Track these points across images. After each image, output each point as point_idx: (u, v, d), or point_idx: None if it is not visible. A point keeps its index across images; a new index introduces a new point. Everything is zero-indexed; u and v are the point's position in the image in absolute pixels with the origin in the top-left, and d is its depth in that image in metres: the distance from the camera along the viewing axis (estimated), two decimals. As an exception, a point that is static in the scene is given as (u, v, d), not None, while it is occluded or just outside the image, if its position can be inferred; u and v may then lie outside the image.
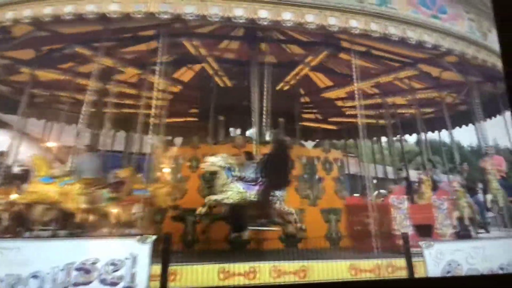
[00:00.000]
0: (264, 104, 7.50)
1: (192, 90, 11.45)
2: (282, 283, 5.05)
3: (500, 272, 5.18)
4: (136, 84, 10.54)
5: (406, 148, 13.13)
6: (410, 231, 6.85)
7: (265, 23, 6.10)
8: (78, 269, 4.26)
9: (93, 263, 4.30)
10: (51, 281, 4.17)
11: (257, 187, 6.18)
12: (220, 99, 9.99)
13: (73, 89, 9.80)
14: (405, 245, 5.21)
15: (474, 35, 7.74)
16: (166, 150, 8.10)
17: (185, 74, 11.44)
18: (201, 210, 5.95)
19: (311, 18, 6.21)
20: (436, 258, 5.05)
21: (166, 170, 7.41)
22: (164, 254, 4.56)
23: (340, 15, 6.38)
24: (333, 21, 6.31)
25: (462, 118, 11.07)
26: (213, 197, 6.05)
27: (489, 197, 8.53)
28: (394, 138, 13.13)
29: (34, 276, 4.17)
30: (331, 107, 12.62)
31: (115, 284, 4.28)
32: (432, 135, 12.59)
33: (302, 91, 11.78)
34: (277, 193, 6.16)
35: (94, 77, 7.14)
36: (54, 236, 6.06)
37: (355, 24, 6.40)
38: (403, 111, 12.04)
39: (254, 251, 6.67)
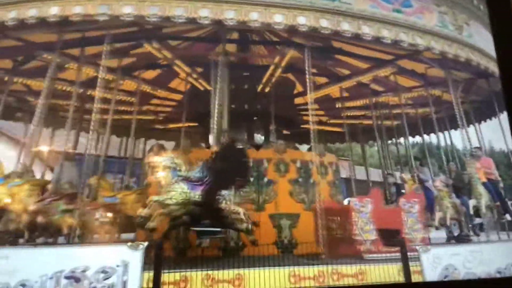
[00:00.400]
0: (217, 104, 7.33)
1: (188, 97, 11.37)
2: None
3: (498, 276, 5.13)
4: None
5: (402, 151, 13.00)
6: (373, 236, 6.65)
7: (206, 22, 6.03)
8: (67, 278, 4.14)
9: (83, 271, 4.18)
10: (40, 290, 4.04)
11: (202, 187, 5.97)
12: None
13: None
14: (401, 250, 5.13)
15: (446, 29, 7.47)
16: (158, 155, 7.99)
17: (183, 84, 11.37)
18: (141, 211, 5.76)
19: (255, 16, 6.10)
20: (433, 262, 4.98)
21: (161, 174, 7.29)
22: (156, 260, 4.45)
23: (287, 12, 6.23)
24: (280, 18, 6.18)
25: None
26: (155, 198, 5.87)
27: (472, 202, 8.10)
28: (390, 141, 13.10)
29: (23, 285, 4.04)
30: (331, 108, 12.60)
31: (106, 292, 4.16)
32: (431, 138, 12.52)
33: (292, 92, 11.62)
34: (224, 192, 5.99)
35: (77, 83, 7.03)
36: (42, 243, 5.96)
37: (303, 21, 6.23)
38: (399, 111, 11.96)
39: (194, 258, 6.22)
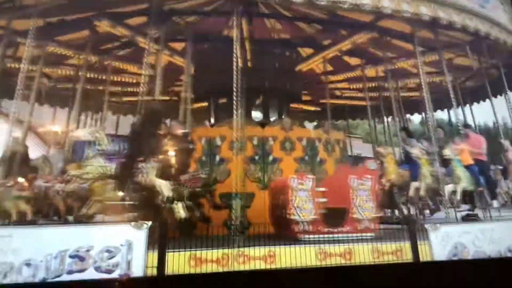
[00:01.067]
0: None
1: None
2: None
3: (509, 254, 5.03)
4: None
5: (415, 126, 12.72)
6: (313, 215, 6.11)
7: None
8: (72, 257, 4.12)
9: (88, 250, 4.16)
10: (45, 269, 4.03)
11: (117, 160, 5.84)
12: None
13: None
14: (409, 229, 5.04)
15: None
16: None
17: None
18: (62, 186, 5.91)
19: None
20: (442, 241, 4.87)
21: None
22: (160, 240, 4.41)
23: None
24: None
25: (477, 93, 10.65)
26: (72, 172, 5.84)
27: (448, 187, 7.03)
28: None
29: (27, 264, 4.03)
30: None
31: (111, 271, 4.14)
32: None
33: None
34: (141, 165, 5.63)
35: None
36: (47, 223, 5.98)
37: None
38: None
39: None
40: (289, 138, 8.47)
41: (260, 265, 4.86)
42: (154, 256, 4.28)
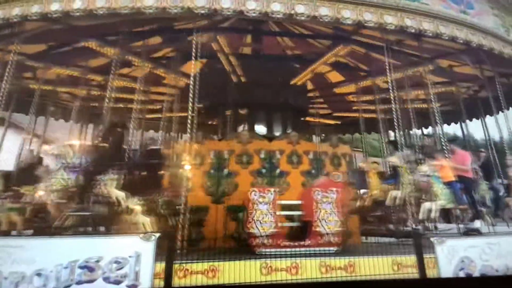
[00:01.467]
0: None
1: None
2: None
3: (517, 269, 4.98)
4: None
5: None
6: (273, 228, 6.00)
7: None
8: (81, 267, 4.20)
9: (97, 261, 4.24)
10: (55, 279, 4.12)
11: (77, 173, 5.99)
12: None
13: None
14: (415, 242, 5.03)
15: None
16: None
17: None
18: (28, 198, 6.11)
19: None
20: (448, 255, 4.84)
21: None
22: (168, 251, 4.49)
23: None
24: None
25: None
26: (39, 185, 6.04)
27: (425, 205, 6.56)
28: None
29: (38, 274, 4.12)
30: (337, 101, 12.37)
31: (119, 282, 4.21)
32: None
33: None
34: (100, 177, 5.84)
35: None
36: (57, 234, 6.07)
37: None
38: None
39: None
40: (296, 151, 8.56)
41: (201, 280, 4.81)
42: (161, 267, 4.36)
